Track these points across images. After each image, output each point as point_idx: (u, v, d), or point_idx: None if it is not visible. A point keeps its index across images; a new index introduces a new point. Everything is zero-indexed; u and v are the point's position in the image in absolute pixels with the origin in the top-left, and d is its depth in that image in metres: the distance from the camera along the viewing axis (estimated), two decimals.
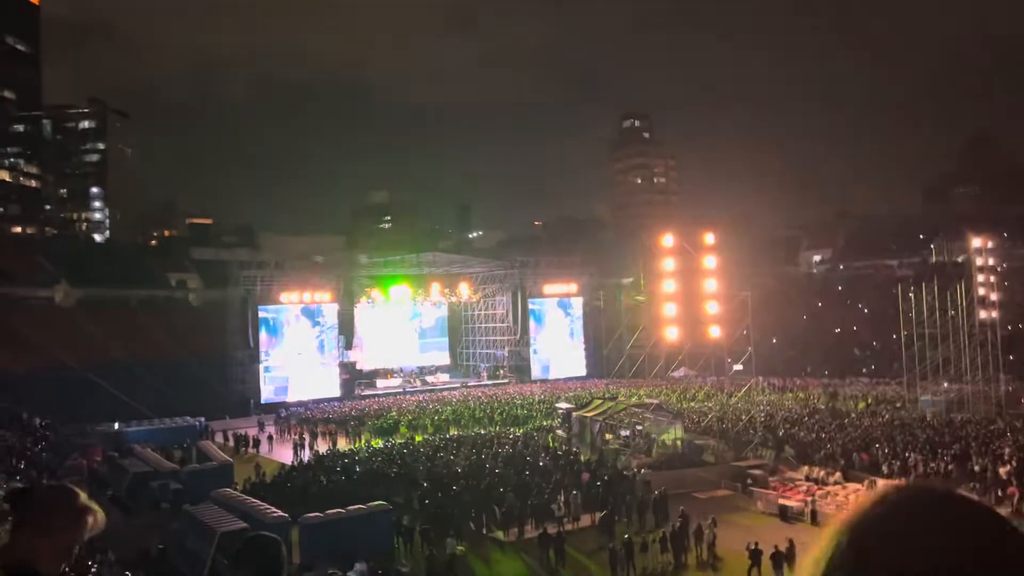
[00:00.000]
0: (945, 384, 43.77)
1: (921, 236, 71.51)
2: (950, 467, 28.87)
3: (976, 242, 45.03)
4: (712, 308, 41.10)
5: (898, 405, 44.63)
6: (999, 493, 25.47)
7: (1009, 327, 54.46)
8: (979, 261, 44.58)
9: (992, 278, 45.82)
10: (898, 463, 30.11)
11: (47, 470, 32.95)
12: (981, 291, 43.92)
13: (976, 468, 28.75)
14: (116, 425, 44.82)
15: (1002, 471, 27.99)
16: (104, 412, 46.20)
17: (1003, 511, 23.20)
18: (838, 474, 29.61)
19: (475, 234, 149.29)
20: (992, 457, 30.02)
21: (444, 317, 74.16)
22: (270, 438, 44.39)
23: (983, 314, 43.57)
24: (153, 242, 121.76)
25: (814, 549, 1.04)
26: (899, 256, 71.89)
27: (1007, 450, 30.31)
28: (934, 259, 47.04)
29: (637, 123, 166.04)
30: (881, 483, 27.38)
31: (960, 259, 59.22)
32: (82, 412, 46.11)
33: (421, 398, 56.96)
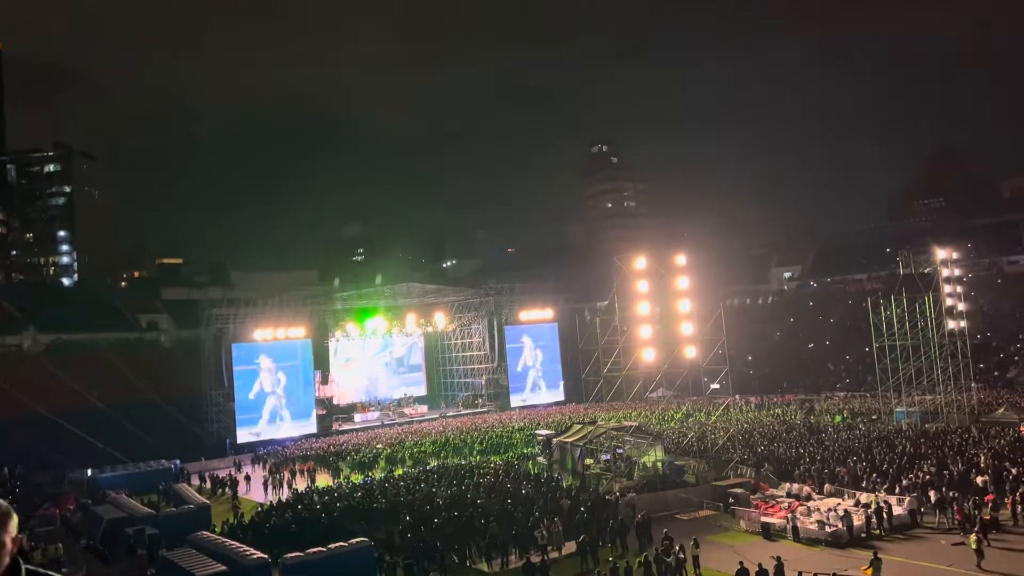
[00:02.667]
0: (918, 395, 44.27)
1: (888, 249, 72.64)
2: (928, 477, 29.12)
3: (942, 253, 45.80)
4: (687, 328, 41.38)
5: (874, 417, 45.07)
6: (977, 500, 25.71)
7: (978, 336, 55.41)
8: (945, 272, 45.31)
9: (959, 288, 46.59)
10: (876, 475, 30.34)
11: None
12: (949, 302, 44.60)
13: (955, 476, 29.06)
14: (89, 471, 43.99)
15: (979, 480, 28.31)
16: (77, 459, 45.39)
17: (984, 515, 23.45)
18: (819, 489, 29.77)
19: (448, 263, 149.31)
20: (968, 465, 30.38)
21: (420, 347, 73.90)
22: (247, 478, 43.75)
23: (952, 324, 44.22)
24: (123, 284, 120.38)
25: None
26: (867, 270, 72.94)
27: (983, 458, 30.68)
28: (901, 272, 47.73)
29: (605, 148, 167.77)
30: (862, 496, 27.59)
31: (927, 271, 60.17)
32: (54, 459, 45.28)
33: (400, 430, 56.54)
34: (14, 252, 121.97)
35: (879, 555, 21.23)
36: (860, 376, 58.32)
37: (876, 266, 72.16)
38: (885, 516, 25.75)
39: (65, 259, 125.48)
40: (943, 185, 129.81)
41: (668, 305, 42.36)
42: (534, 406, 67.36)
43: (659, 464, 34.45)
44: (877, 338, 45.34)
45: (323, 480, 41.35)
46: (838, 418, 46.62)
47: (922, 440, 36.08)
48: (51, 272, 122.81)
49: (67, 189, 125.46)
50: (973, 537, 21.83)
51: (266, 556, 22.89)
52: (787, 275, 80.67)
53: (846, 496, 28.50)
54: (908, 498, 26.87)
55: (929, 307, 43.92)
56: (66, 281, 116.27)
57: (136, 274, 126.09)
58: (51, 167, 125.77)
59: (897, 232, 77.05)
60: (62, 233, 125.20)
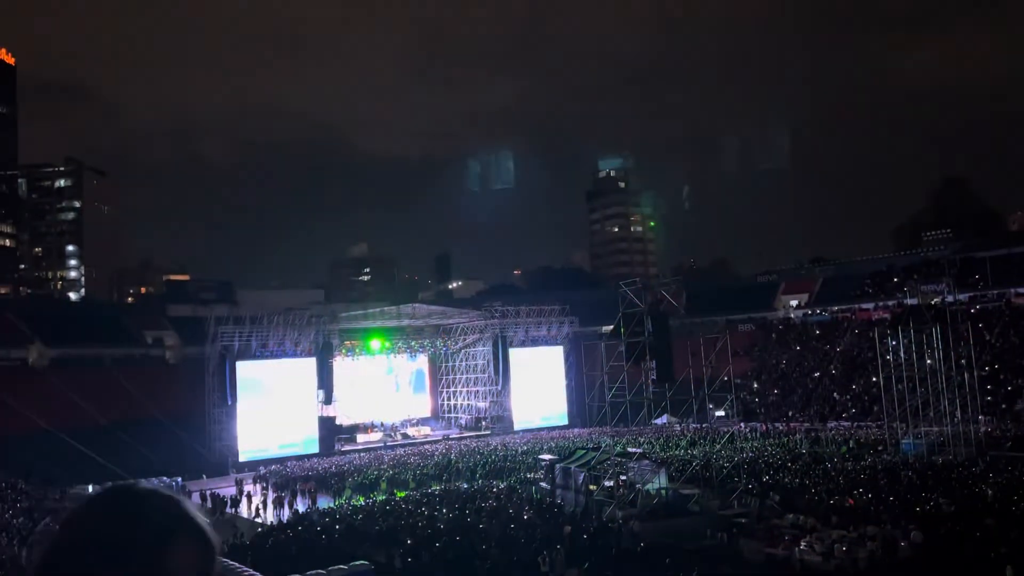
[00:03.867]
0: (925, 427, 43.96)
1: (895, 280, 72.44)
2: (932, 510, 28.83)
3: (948, 284, 45.74)
4: (692, 354, 41.25)
5: (880, 448, 44.72)
6: (981, 536, 25.39)
7: (986, 368, 55.07)
8: (952, 303, 45.22)
9: (967, 320, 46.46)
10: (883, 508, 30.05)
11: (18, 535, 32.08)
12: (956, 333, 44.43)
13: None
14: (90, 488, 43.80)
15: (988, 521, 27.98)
16: (79, 474, 45.21)
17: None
18: (825, 520, 29.47)
19: (454, 284, 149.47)
20: (974, 500, 30.07)
21: (425, 369, 73.78)
22: (249, 497, 43.56)
23: (959, 356, 44.02)
24: (129, 299, 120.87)
25: None
26: (875, 300, 72.70)
27: (989, 493, 30.39)
28: (909, 302, 47.73)
29: (612, 172, 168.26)
30: (868, 529, 27.29)
31: (935, 302, 59.97)
32: (56, 475, 45.11)
33: (402, 452, 56.31)
34: (22, 266, 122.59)
35: None
36: (866, 406, 57.95)
37: (883, 296, 71.93)
38: (891, 549, 25.44)
39: (73, 274, 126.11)
40: (950, 217, 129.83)
41: (674, 330, 42.27)
42: (538, 430, 67.08)
43: (663, 492, 34.19)
44: (884, 368, 45.11)
45: (324, 501, 41.14)
46: (844, 449, 46.28)
47: (929, 473, 35.77)
48: (58, 286, 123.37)
49: (77, 204, 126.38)
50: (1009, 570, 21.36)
51: None
52: (794, 303, 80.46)
53: (852, 528, 28.18)
54: (914, 531, 26.57)
55: (936, 338, 43.73)
56: (73, 296, 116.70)
57: (143, 290, 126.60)
58: (62, 182, 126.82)
59: (905, 263, 76.82)
60: (71, 248, 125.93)
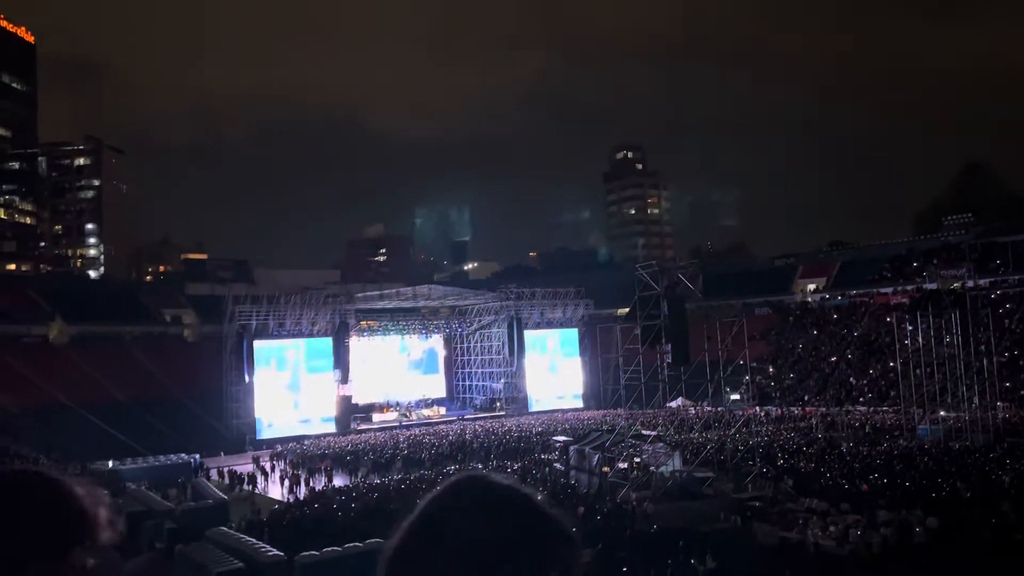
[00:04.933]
0: (942, 412, 43.66)
1: (915, 264, 71.80)
2: (948, 496, 28.70)
3: (969, 269, 45.29)
4: (708, 338, 41.12)
5: (896, 433, 44.50)
6: (998, 523, 25.28)
7: (1006, 354, 54.60)
8: (973, 288, 44.78)
9: (987, 305, 46.01)
10: (898, 493, 29.94)
11: None
12: (976, 318, 44.03)
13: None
14: (110, 463, 44.42)
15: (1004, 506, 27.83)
16: (98, 450, 45.86)
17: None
18: (840, 505, 29.41)
19: (470, 266, 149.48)
20: (991, 486, 29.90)
21: (440, 350, 74.02)
22: (266, 475, 44.01)
23: (978, 342, 43.64)
24: (148, 278, 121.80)
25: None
26: (893, 284, 72.13)
27: (1007, 480, 30.20)
28: (928, 287, 47.33)
29: (630, 154, 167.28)
30: (883, 514, 27.24)
31: (954, 286, 59.40)
32: (76, 450, 45.76)
33: (418, 432, 56.64)
34: (43, 244, 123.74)
35: None
36: (883, 391, 57.66)
37: (902, 280, 71.34)
38: (907, 535, 25.38)
39: (92, 252, 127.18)
40: (972, 201, 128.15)
41: (690, 314, 42.13)
42: (552, 411, 67.25)
43: (677, 474, 34.22)
44: (901, 353, 44.81)
45: (340, 479, 41.49)
46: (860, 433, 46.09)
47: (945, 458, 35.58)
48: (78, 264, 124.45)
49: (96, 183, 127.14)
50: None
51: (282, 554, 22.96)
52: (811, 287, 79.97)
53: (866, 513, 28.12)
54: (930, 517, 26.47)
55: (956, 323, 43.34)
56: (93, 274, 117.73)
57: (161, 268, 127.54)
58: (81, 160, 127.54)
59: (925, 247, 76.03)
60: (90, 226, 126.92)
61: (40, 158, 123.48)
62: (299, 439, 55.56)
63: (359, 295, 65.77)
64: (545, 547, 1.43)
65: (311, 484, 40.28)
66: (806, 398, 61.68)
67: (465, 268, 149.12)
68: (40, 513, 1.49)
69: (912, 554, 25.03)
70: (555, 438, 46.04)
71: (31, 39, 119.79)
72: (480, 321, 71.00)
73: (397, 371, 70.27)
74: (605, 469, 36.83)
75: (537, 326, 70.43)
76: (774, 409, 57.42)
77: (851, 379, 63.26)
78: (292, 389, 59.33)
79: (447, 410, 68.62)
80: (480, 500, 1.42)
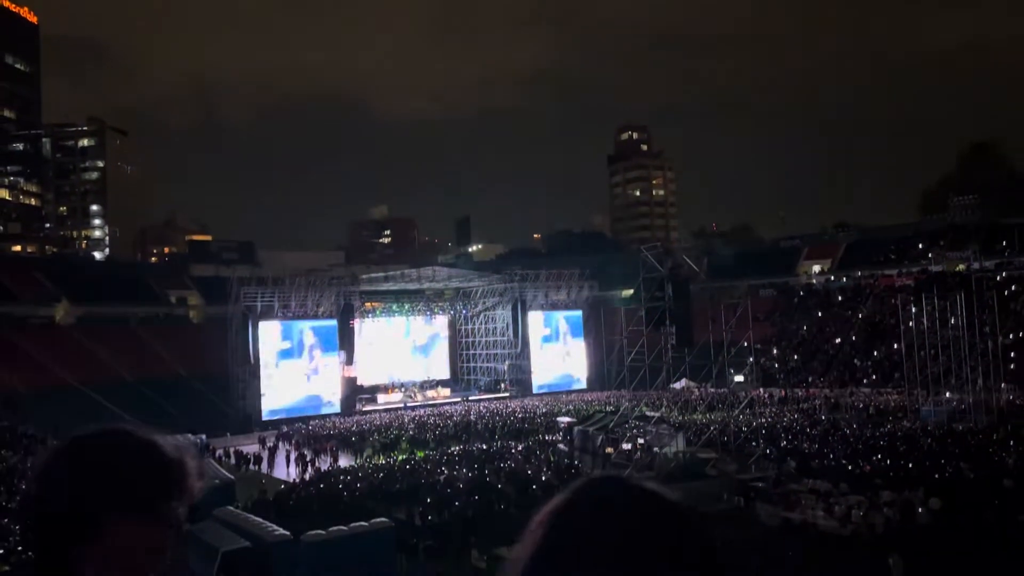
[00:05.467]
0: (947, 394, 43.69)
1: (920, 246, 71.55)
2: (950, 477, 28.79)
3: (975, 251, 45.16)
4: (712, 319, 41.16)
5: (899, 415, 44.56)
6: (1001, 504, 25.37)
7: (1011, 336, 54.53)
8: (978, 270, 44.67)
9: (992, 287, 45.92)
10: (901, 474, 30.05)
11: None
12: (981, 300, 43.94)
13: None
14: None
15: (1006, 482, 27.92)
16: None
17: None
18: (841, 486, 29.52)
19: (474, 247, 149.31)
20: (994, 468, 29.96)
21: (444, 331, 74.15)
22: (271, 455, 44.28)
23: (983, 323, 43.58)
24: (153, 259, 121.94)
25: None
26: (899, 266, 71.93)
27: (1011, 461, 30.27)
28: (933, 268, 47.19)
29: (635, 135, 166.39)
30: (885, 494, 27.35)
31: (960, 268, 59.21)
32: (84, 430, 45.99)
33: (422, 413, 56.88)
34: (48, 225, 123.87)
35: (899, 555, 21.01)
36: (887, 373, 57.70)
37: (908, 262, 71.14)
38: (909, 516, 25.49)
39: (97, 233, 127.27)
40: (979, 182, 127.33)
41: (694, 295, 42.14)
42: (556, 393, 67.44)
43: (681, 455, 34.36)
44: (906, 335, 44.78)
45: (345, 460, 41.74)
46: (863, 415, 46.15)
47: (948, 440, 35.64)
48: (83, 245, 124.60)
49: (100, 164, 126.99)
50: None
51: (288, 533, 23.16)
52: (816, 269, 79.84)
53: (869, 494, 28.23)
54: (932, 498, 26.58)
55: (960, 305, 43.28)
56: (98, 255, 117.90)
57: (166, 250, 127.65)
58: (85, 142, 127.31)
59: (930, 228, 75.69)
60: (95, 207, 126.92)
61: (44, 139, 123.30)
62: (305, 420, 55.88)
63: (364, 277, 65.88)
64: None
65: (317, 464, 40.55)
66: (810, 379, 61.73)
67: (470, 250, 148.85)
68: (133, 465, 1.43)
69: (915, 534, 25.15)
70: (559, 419, 46.21)
71: (34, 19, 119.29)
72: (484, 303, 71.07)
73: (402, 353, 70.44)
74: (609, 450, 37.00)
75: (541, 308, 70.52)
76: (778, 391, 57.49)
77: (855, 361, 63.28)
78: (297, 370, 59.55)
79: (452, 391, 68.86)
80: (624, 508, 1.17)
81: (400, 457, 40.04)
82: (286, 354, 59.38)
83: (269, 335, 58.89)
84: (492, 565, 23.77)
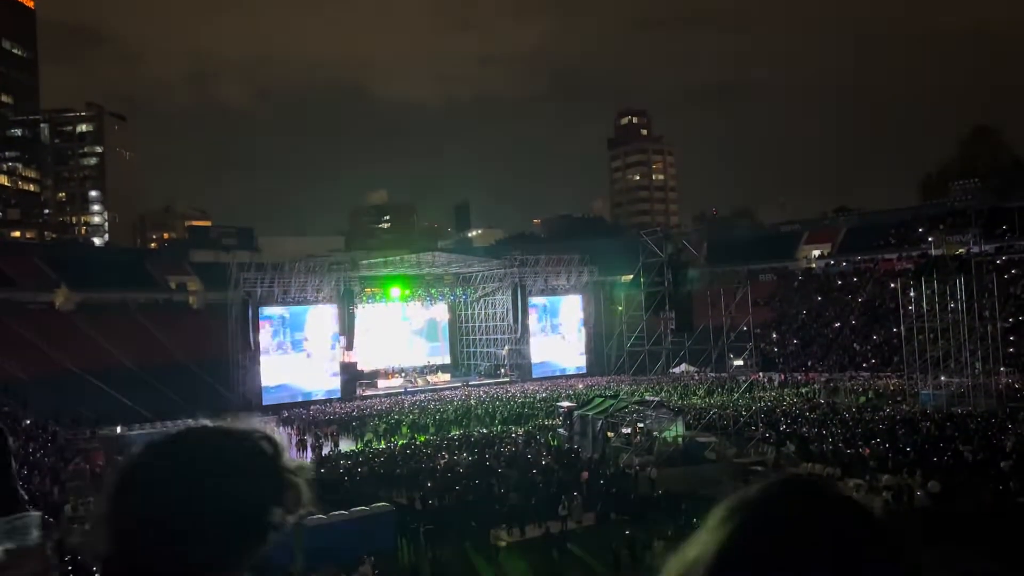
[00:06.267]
0: (945, 378, 43.75)
1: (920, 230, 71.42)
2: (949, 461, 28.87)
3: (975, 235, 45.09)
4: (712, 304, 41.19)
5: (899, 399, 44.64)
6: (999, 487, 25.47)
7: (1010, 320, 54.56)
8: (979, 254, 44.61)
9: (992, 271, 45.88)
10: (900, 458, 30.13)
11: (50, 474, 32.97)
12: (981, 284, 43.91)
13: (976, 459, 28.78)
14: (118, 429, 44.82)
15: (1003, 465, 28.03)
16: (105, 416, 46.26)
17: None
18: (839, 470, 29.61)
19: (474, 232, 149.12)
20: (992, 451, 30.05)
21: (444, 316, 74.15)
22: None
23: (982, 307, 43.57)
24: (152, 245, 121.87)
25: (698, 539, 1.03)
26: (899, 250, 71.87)
27: (1009, 444, 30.34)
28: (933, 252, 47.18)
29: (635, 119, 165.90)
30: (885, 479, 27.44)
31: (959, 252, 59.11)
32: (84, 416, 46.18)
33: (423, 398, 56.98)
34: (47, 211, 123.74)
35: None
36: (886, 357, 57.76)
37: (908, 246, 71.08)
38: (907, 499, 25.59)
39: (96, 219, 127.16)
40: (980, 166, 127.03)
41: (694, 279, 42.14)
42: (556, 378, 67.52)
43: (680, 440, 34.46)
44: (905, 319, 44.80)
45: (346, 445, 41.86)
46: (862, 399, 46.26)
47: (948, 424, 35.72)
48: (83, 231, 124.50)
49: (99, 150, 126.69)
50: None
51: None
52: (816, 253, 79.80)
53: (868, 477, 28.34)
54: (931, 481, 26.66)
55: (960, 289, 43.27)
56: (97, 241, 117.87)
57: (165, 236, 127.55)
58: (83, 127, 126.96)
59: (931, 212, 75.53)
60: (93, 193, 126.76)
61: (42, 125, 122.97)
62: (305, 405, 55.98)
63: (363, 262, 65.77)
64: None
65: (317, 449, 40.67)
66: (809, 363, 61.83)
67: (469, 235, 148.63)
68: (239, 472, 1.26)
69: (913, 517, 25.25)
70: (559, 404, 46.29)
71: (31, 5, 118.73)
72: (484, 288, 71.00)
73: (402, 338, 70.45)
74: (609, 435, 37.11)
75: (541, 293, 70.47)
76: (777, 375, 57.59)
77: (855, 345, 63.36)
78: (298, 356, 59.59)
79: (452, 376, 68.91)
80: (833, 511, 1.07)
81: (400, 442, 40.16)
82: (286, 339, 59.40)
83: (269, 320, 58.89)
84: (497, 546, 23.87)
